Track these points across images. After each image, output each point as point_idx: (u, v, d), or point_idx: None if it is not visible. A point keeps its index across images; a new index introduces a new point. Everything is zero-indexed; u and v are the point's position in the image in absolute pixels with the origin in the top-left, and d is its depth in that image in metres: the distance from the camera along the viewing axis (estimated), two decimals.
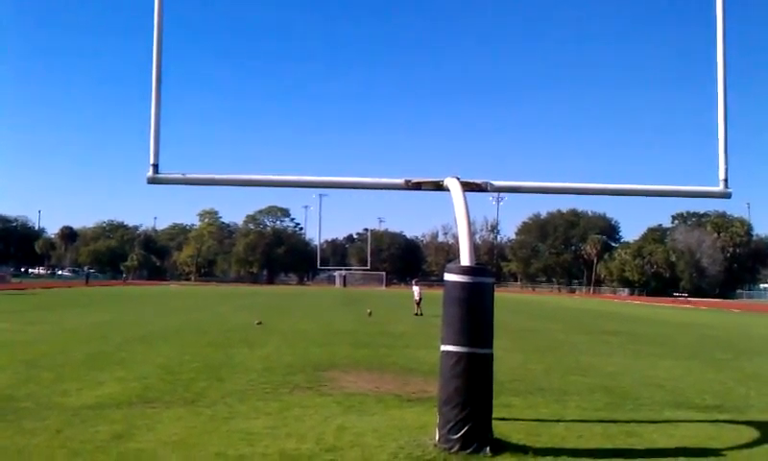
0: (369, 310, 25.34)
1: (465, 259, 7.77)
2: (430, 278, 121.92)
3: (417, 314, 31.85)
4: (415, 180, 9.32)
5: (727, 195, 9.20)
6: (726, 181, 9.03)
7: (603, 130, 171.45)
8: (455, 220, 8.38)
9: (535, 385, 11.81)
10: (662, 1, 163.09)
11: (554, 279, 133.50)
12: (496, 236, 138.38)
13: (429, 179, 9.29)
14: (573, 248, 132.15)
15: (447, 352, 7.44)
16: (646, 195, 10.19)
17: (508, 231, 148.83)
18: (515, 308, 44.73)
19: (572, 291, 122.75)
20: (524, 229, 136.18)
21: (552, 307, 51.46)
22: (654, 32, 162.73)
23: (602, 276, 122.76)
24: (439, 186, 9.13)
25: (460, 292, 7.54)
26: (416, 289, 34.61)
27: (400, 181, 9.43)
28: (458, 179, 8.74)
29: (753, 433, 8.63)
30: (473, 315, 7.46)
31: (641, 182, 10.51)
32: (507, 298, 68.08)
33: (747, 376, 14.32)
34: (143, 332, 20.23)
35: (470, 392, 7.18)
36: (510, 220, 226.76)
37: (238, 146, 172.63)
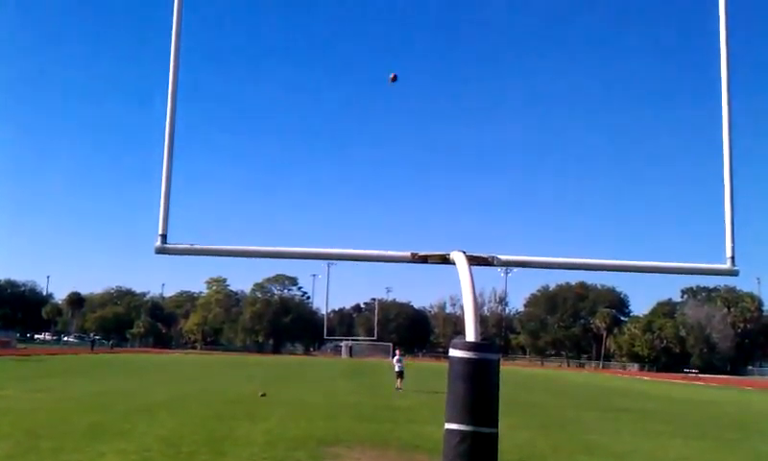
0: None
1: (470, 335, 7.72)
2: (437, 349, 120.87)
3: (397, 389, 29.52)
4: (421, 253, 9.32)
5: (734, 273, 9.14)
6: (733, 258, 8.98)
7: (611, 204, 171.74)
8: (461, 294, 8.35)
9: None
10: (670, 81, 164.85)
11: (563, 353, 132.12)
12: (504, 308, 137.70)
13: (435, 252, 9.30)
14: (582, 321, 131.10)
15: (451, 431, 7.32)
16: (653, 272, 10.15)
17: (516, 303, 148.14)
18: (522, 383, 44.18)
19: (581, 366, 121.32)
20: (532, 301, 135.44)
21: (560, 382, 50.80)
22: (663, 109, 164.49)
23: (611, 350, 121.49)
24: (445, 260, 9.12)
25: (465, 368, 7.46)
26: (396, 360, 31.91)
27: (407, 253, 9.43)
28: (464, 253, 8.73)
29: None
30: (478, 392, 7.37)
31: (650, 256, 10.49)
32: (515, 372, 67.31)
33: (759, 457, 14.04)
34: (146, 402, 20.06)
35: None
36: (518, 292, 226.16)
37: (248, 214, 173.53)
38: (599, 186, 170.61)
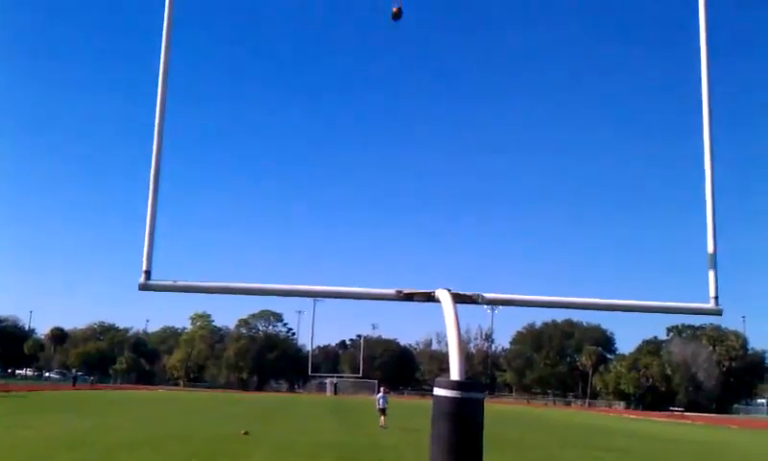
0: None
1: (455, 373, 7.73)
2: (423, 386, 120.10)
3: (381, 426, 29.24)
4: (406, 291, 9.35)
5: (718, 312, 9.21)
6: (716, 298, 9.05)
7: (598, 244, 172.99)
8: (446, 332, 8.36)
9: None
10: (654, 125, 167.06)
11: (549, 391, 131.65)
12: (491, 346, 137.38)
13: (421, 290, 9.33)
14: (568, 359, 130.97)
15: None
16: (637, 311, 10.20)
17: (503, 340, 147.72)
18: (508, 421, 43.92)
19: (567, 403, 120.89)
20: (519, 338, 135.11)
21: (546, 420, 50.55)
22: (644, 153, 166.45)
23: (597, 388, 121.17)
24: (430, 298, 9.15)
25: (449, 407, 7.46)
26: (380, 397, 31.30)
27: (392, 291, 9.45)
28: (449, 291, 8.78)
29: None
30: (463, 431, 7.36)
31: (636, 295, 10.53)
32: (501, 410, 66.96)
33: None
34: (127, 440, 19.78)
35: None
36: (505, 328, 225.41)
37: (231, 250, 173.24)
38: (585, 226, 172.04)
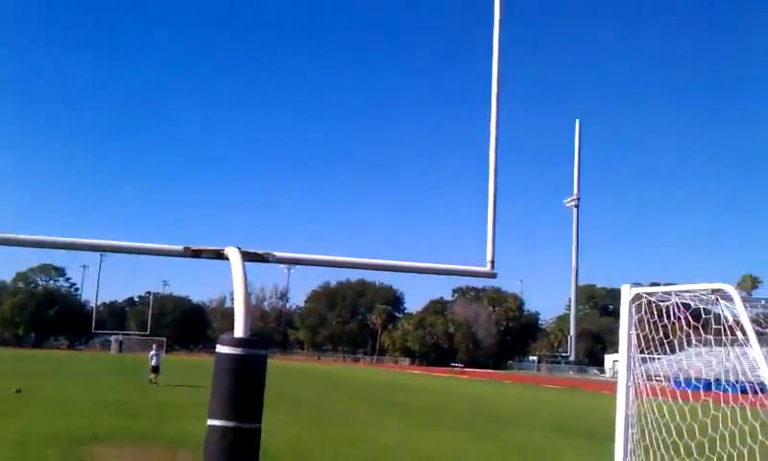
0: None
1: (239, 331, 7.70)
2: (215, 344, 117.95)
3: (152, 382, 29.23)
4: (194, 247, 9.11)
5: (493, 275, 9.85)
6: (493, 262, 9.71)
7: (393, 206, 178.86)
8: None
9: (306, 459, 11.80)
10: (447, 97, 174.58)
11: (340, 348, 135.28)
12: (285, 304, 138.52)
13: (210, 247, 9.15)
14: (360, 317, 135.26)
15: (213, 427, 7.21)
16: (419, 272, 10.68)
17: (298, 299, 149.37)
18: (297, 378, 44.62)
19: (356, 360, 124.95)
20: (314, 297, 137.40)
21: (335, 377, 51.95)
22: (434, 121, 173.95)
23: (386, 345, 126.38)
24: (219, 255, 8.98)
25: (230, 364, 7.39)
26: (153, 354, 31.17)
27: (180, 247, 9.17)
28: (239, 248, 8.68)
29: None
30: (243, 388, 7.34)
31: (424, 258, 11.01)
32: (291, 367, 67.89)
33: (509, 447, 15.29)
34: None
35: None
36: (301, 287, 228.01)
37: (11, 198, 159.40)
38: (382, 191, 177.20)
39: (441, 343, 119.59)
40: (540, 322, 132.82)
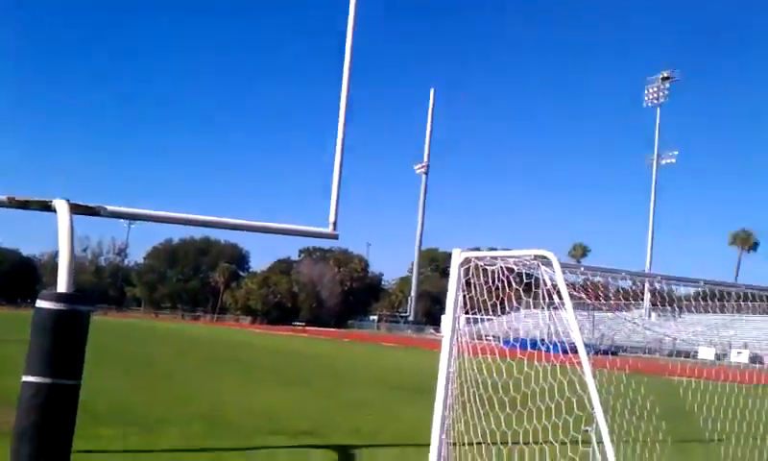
0: None
1: (61, 286, 7.34)
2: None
3: None
4: (20, 198, 8.55)
5: (335, 236, 10.02)
6: (335, 224, 9.82)
7: (239, 164, 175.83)
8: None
9: (133, 416, 11.45)
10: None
11: (179, 306, 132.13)
12: (123, 260, 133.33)
13: (37, 198, 8.61)
14: (202, 275, 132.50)
15: (28, 383, 6.89)
16: (261, 231, 10.65)
17: (138, 256, 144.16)
18: (131, 336, 43.11)
19: (196, 318, 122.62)
20: (153, 253, 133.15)
21: (173, 334, 50.69)
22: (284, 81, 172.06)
23: (228, 304, 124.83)
24: (47, 207, 8.50)
25: (50, 321, 7.06)
26: None
27: (4, 198, 8.57)
28: (68, 201, 8.23)
29: (333, 456, 9.44)
30: (62, 345, 7.03)
31: (271, 219, 10.93)
32: (126, 323, 65.55)
33: (344, 404, 15.58)
34: None
35: (48, 425, 6.72)
36: (141, 244, 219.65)
37: None
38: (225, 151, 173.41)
39: (284, 302, 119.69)
40: (383, 283, 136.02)
